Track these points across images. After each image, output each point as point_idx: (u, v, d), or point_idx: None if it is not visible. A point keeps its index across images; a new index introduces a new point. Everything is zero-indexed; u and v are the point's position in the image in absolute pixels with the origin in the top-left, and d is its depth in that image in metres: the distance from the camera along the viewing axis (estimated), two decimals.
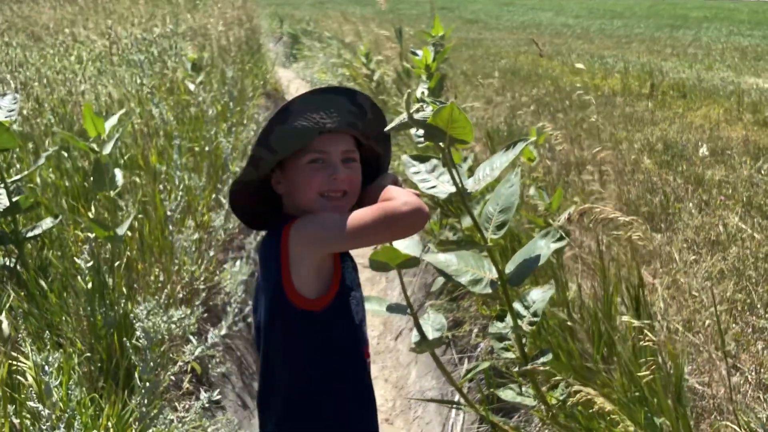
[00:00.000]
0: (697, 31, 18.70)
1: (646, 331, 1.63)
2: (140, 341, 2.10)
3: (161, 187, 3.62)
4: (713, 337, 3.13)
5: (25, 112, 4.89)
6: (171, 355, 2.73)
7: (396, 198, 1.38)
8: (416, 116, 1.54)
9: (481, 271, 1.91)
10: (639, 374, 1.67)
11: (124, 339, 2.29)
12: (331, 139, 1.46)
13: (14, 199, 2.81)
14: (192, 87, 5.07)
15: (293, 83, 10.66)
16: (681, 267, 3.88)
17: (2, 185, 2.78)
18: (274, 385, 1.48)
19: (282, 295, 1.42)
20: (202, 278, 3.30)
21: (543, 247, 1.80)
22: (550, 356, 1.85)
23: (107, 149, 2.58)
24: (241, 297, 3.26)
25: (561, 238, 1.77)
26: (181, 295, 3.19)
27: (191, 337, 2.77)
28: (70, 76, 5.96)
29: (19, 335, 2.07)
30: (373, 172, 1.57)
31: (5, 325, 2.19)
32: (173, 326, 2.73)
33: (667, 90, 9.47)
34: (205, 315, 3.26)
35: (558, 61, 11.99)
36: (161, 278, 3.02)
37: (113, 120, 2.62)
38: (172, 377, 2.65)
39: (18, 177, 2.91)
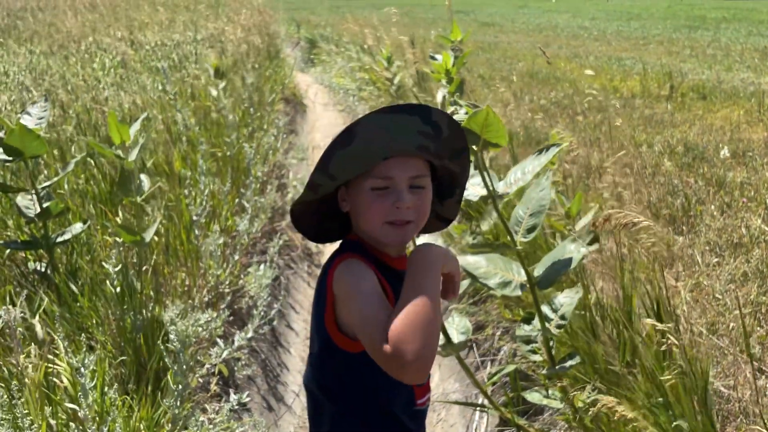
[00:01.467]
0: (716, 31, 18.55)
1: (668, 334, 1.64)
2: (174, 344, 2.13)
3: (186, 192, 3.67)
4: (737, 340, 3.12)
5: (50, 119, 4.98)
6: (198, 358, 2.77)
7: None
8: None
9: (510, 274, 1.93)
10: (662, 378, 1.68)
11: (158, 342, 2.33)
12: (398, 163, 1.33)
13: (45, 205, 2.87)
14: (214, 93, 5.13)
15: (311, 88, 10.72)
16: (704, 270, 3.87)
17: (33, 191, 2.84)
18: (323, 415, 1.43)
19: (325, 332, 1.35)
20: (227, 282, 3.35)
21: (573, 251, 1.82)
22: (577, 359, 1.87)
23: (132, 155, 2.63)
24: (266, 300, 3.30)
25: (592, 242, 1.79)
26: (206, 299, 3.23)
27: (218, 340, 2.81)
28: (94, 83, 6.05)
29: (55, 337, 2.12)
30: (449, 188, 1.45)
31: (39, 329, 2.24)
32: (200, 329, 2.78)
33: (687, 92, 9.41)
34: (231, 318, 3.30)
35: (576, 64, 11.95)
36: (187, 282, 3.06)
37: (136, 126, 2.67)
38: (200, 379, 2.69)
39: (48, 183, 2.97)
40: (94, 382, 1.82)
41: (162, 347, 2.21)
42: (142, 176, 2.75)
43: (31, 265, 2.98)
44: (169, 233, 3.35)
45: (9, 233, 3.16)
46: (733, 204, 4.91)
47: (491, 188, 1.80)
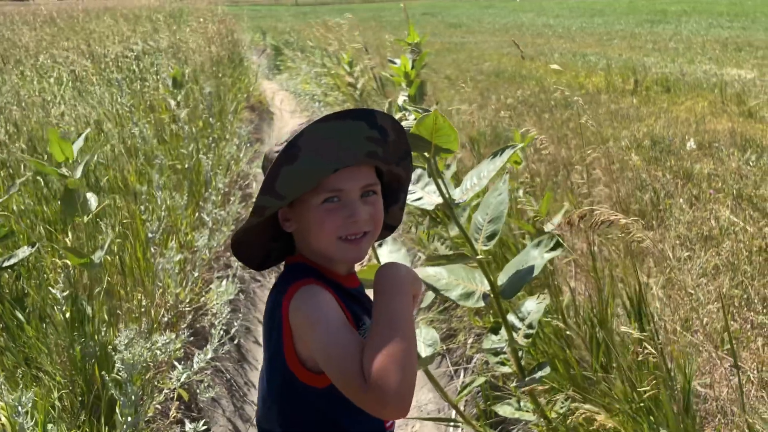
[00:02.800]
0: (677, 25, 18.78)
1: (645, 344, 1.56)
2: (120, 374, 2.01)
3: (142, 208, 3.53)
4: (712, 335, 3.07)
5: (1, 136, 4.79)
6: (156, 383, 2.64)
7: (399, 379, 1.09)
8: None
9: (472, 284, 1.84)
10: (640, 389, 1.60)
11: (103, 372, 2.19)
12: (348, 173, 1.24)
13: None
14: (173, 104, 4.99)
15: (278, 95, 10.58)
16: (675, 264, 3.83)
17: None
18: None
19: (286, 369, 1.23)
20: (187, 300, 3.22)
21: (537, 256, 1.73)
22: (547, 370, 1.78)
23: (77, 173, 2.50)
24: (227, 317, 3.17)
25: (555, 247, 1.70)
26: (166, 319, 3.10)
27: (176, 363, 2.68)
28: (49, 98, 5.87)
29: None
30: (394, 194, 1.37)
31: None
32: (158, 352, 2.64)
33: (651, 85, 9.46)
34: (192, 339, 3.17)
35: (542, 62, 11.98)
36: (144, 303, 2.93)
37: (80, 142, 2.54)
38: (158, 406, 2.56)
39: None
40: (34, 420, 1.69)
41: (107, 377, 2.08)
42: (89, 194, 2.62)
43: None
44: (125, 252, 3.21)
45: None
46: (702, 196, 4.89)
47: (447, 196, 1.71)
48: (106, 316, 2.71)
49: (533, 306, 1.88)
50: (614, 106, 8.36)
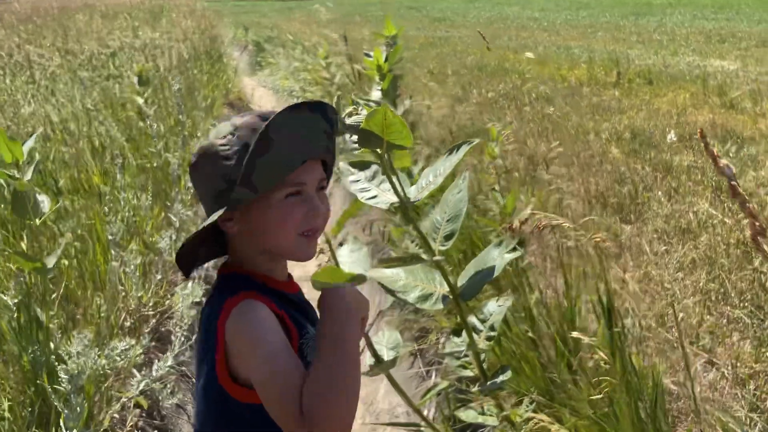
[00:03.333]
0: (662, 17, 18.78)
1: (597, 349, 1.49)
2: (64, 385, 1.92)
3: (106, 209, 3.43)
4: (687, 331, 3.02)
5: None
6: (116, 391, 2.55)
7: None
8: (348, 121, 1.38)
9: (431, 286, 1.76)
10: (592, 396, 1.53)
11: (46, 385, 2.10)
12: (308, 167, 1.21)
13: None
14: (140, 101, 4.89)
15: (257, 91, 10.46)
16: (652, 258, 3.78)
17: None
18: None
19: (218, 387, 1.16)
20: (150, 304, 3.12)
21: (496, 258, 1.65)
22: (509, 374, 1.70)
23: (27, 175, 2.40)
24: (192, 320, 3.08)
25: (515, 249, 1.63)
26: (129, 324, 3.00)
27: (134, 371, 2.59)
28: (18, 97, 5.74)
29: None
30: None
31: None
32: (117, 359, 2.55)
33: (634, 77, 9.42)
34: (157, 344, 3.08)
35: (524, 55, 11.91)
36: (104, 308, 2.83)
37: (30, 143, 2.44)
38: (116, 415, 2.47)
39: None
40: None
41: (50, 389, 1.99)
42: (41, 197, 2.52)
43: None
44: (86, 255, 3.11)
45: None
46: (681, 189, 4.85)
47: (402, 194, 1.62)
48: (63, 322, 2.62)
49: (495, 307, 1.80)
50: (596, 99, 8.30)
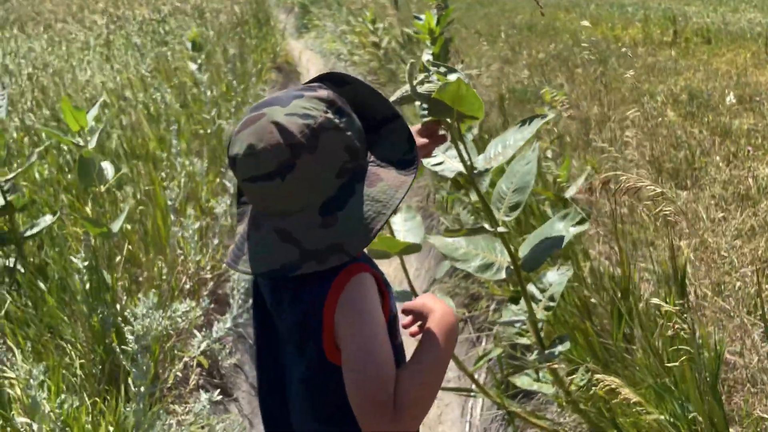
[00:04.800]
0: None
1: (677, 318, 1.48)
2: (131, 345, 2.01)
3: (163, 174, 3.52)
4: (744, 300, 2.96)
5: (29, 103, 4.82)
6: (177, 351, 2.66)
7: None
8: (420, 89, 1.39)
9: (492, 255, 1.78)
10: (669, 364, 1.53)
11: (115, 344, 2.20)
12: None
13: (8, 198, 2.73)
14: (193, 67, 4.94)
15: (304, 54, 10.45)
16: (709, 226, 3.70)
17: None
18: None
19: (323, 358, 1.14)
20: (208, 267, 3.22)
21: (562, 230, 1.65)
22: (567, 345, 1.72)
23: (92, 142, 2.48)
24: (247, 283, 3.17)
25: (582, 221, 1.62)
26: (188, 286, 3.10)
27: (195, 332, 2.69)
28: (75, 63, 5.87)
29: (10, 344, 2.00)
30: None
31: None
32: (179, 320, 2.65)
33: (691, 36, 9.07)
34: (215, 305, 3.18)
35: (576, 14, 11.59)
36: (165, 271, 2.93)
37: (94, 111, 2.51)
38: (179, 373, 2.58)
39: (12, 175, 2.83)
40: (45, 393, 1.70)
41: (118, 349, 2.08)
42: (105, 163, 2.60)
43: None
44: (147, 220, 3.21)
45: None
46: (740, 153, 4.70)
47: (469, 163, 1.63)
48: (128, 285, 2.72)
49: (555, 277, 1.80)
50: (651, 60, 8.05)
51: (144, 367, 1.97)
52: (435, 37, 3.85)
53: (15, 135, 3.79)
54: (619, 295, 2.00)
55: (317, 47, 10.57)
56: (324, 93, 1.17)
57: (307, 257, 1.11)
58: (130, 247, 2.93)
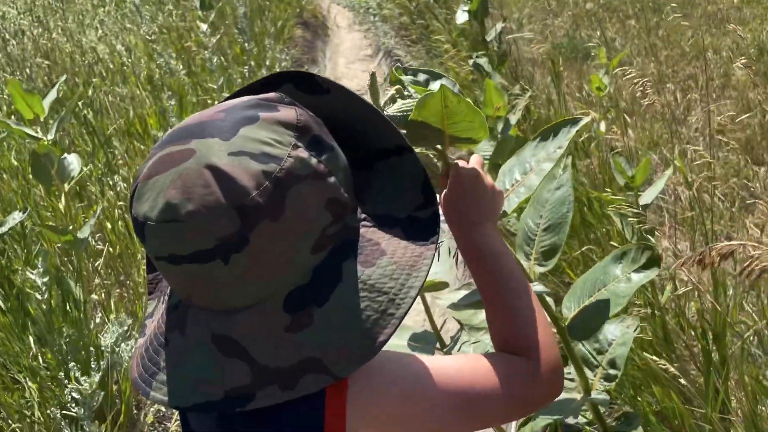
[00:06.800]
0: None
1: None
2: (73, 409, 1.58)
3: None
4: None
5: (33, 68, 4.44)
6: None
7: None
8: (390, 111, 0.87)
9: None
10: None
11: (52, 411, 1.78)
12: None
13: None
14: (204, 27, 4.47)
15: (332, 8, 9.85)
16: None
17: None
18: None
19: None
20: None
21: (619, 276, 1.16)
22: (640, 430, 1.24)
23: (51, 133, 2.04)
24: None
25: (651, 263, 1.13)
26: None
27: None
28: (73, 26, 5.42)
29: None
30: None
31: None
32: None
33: None
34: None
35: None
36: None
37: (52, 95, 2.07)
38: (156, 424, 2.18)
39: None
40: None
41: (59, 415, 1.66)
42: (71, 156, 2.17)
43: None
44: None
45: None
46: None
47: None
48: (102, 298, 2.32)
49: (618, 332, 1.31)
50: (712, 8, 7.27)
51: None
52: None
53: None
54: (712, 345, 1.50)
55: (345, 0, 9.95)
56: (290, 113, 0.72)
57: (264, 380, 0.69)
58: (111, 249, 2.52)
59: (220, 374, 0.69)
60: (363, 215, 0.75)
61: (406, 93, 0.86)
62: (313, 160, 0.69)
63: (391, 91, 0.86)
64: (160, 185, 0.67)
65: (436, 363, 0.79)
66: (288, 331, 0.69)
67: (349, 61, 7.62)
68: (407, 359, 0.78)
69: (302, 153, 0.69)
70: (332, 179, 0.70)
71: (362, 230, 0.74)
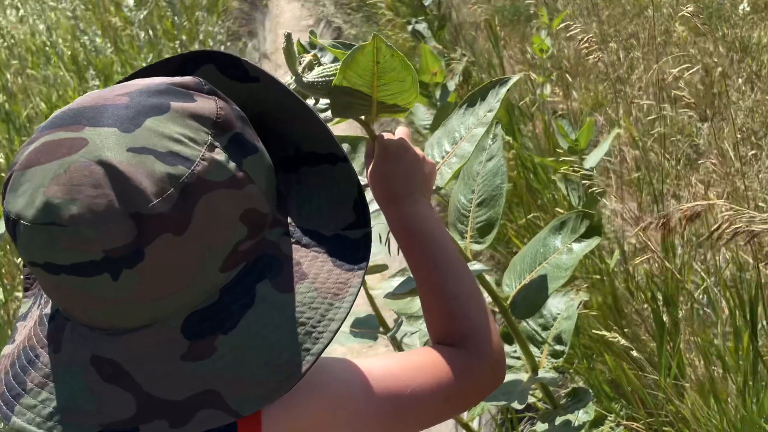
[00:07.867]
0: None
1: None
2: None
3: None
4: None
5: None
6: None
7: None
8: (308, 77, 0.75)
9: None
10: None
11: None
12: None
13: None
14: (130, 1, 4.23)
15: None
16: (738, 166, 3.15)
17: None
18: None
19: None
20: None
21: (560, 248, 1.08)
22: (591, 407, 1.18)
23: None
24: None
25: (592, 231, 1.06)
26: None
27: None
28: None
29: None
30: None
31: None
32: None
33: None
34: None
35: None
36: None
37: None
38: None
39: None
40: None
41: None
42: None
43: None
44: None
45: None
46: (763, 72, 4.10)
47: None
48: None
49: (562, 305, 1.24)
50: None
51: None
52: None
53: None
54: (663, 306, 1.45)
55: None
56: (208, 105, 0.60)
57: (151, 412, 0.58)
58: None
59: (97, 403, 0.58)
60: (284, 229, 0.65)
61: (322, 57, 0.75)
62: (232, 165, 0.58)
63: (308, 57, 0.75)
64: (40, 178, 0.56)
65: (362, 365, 0.71)
66: (184, 360, 0.59)
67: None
68: (330, 366, 0.69)
69: (219, 155, 0.58)
70: (252, 188, 0.60)
71: (282, 246, 0.64)
